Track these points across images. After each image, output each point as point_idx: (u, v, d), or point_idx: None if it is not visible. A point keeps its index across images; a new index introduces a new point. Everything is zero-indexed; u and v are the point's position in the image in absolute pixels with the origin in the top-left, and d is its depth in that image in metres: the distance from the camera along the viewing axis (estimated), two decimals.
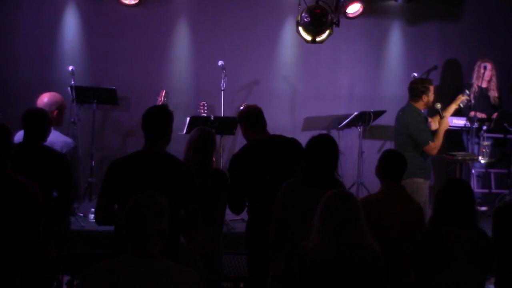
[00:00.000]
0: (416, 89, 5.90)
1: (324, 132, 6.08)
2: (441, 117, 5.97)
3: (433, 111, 6.23)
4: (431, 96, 5.90)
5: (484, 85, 7.35)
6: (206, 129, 4.39)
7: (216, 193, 4.15)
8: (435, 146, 5.77)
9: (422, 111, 5.93)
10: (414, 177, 5.53)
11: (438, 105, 6.03)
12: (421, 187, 5.66)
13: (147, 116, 3.65)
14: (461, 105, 6.37)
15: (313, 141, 3.87)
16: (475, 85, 7.29)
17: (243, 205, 4.37)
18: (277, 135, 4.47)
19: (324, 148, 3.81)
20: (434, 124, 6.18)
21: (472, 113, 7.06)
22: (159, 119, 3.65)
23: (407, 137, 5.79)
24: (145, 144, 3.65)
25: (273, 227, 3.81)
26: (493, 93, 7.43)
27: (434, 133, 5.91)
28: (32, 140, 4.12)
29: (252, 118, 4.45)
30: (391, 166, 3.97)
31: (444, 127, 5.92)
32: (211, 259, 4.15)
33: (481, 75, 7.20)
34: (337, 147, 3.90)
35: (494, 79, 7.41)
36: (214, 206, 4.13)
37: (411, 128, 5.80)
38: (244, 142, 4.55)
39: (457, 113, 7.38)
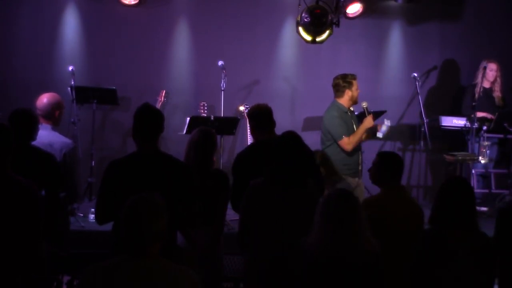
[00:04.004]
0: (338, 84, 5.90)
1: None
2: (366, 116, 5.92)
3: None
4: (355, 91, 5.88)
5: (487, 85, 7.35)
6: (207, 129, 4.39)
7: (216, 194, 4.16)
8: (349, 141, 5.76)
9: (348, 107, 5.89)
10: None
11: (364, 104, 5.99)
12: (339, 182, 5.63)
13: (140, 117, 3.62)
14: (381, 135, 6.07)
15: (278, 138, 3.89)
16: (479, 86, 7.28)
17: None
18: None
19: (286, 145, 3.80)
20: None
21: (477, 113, 7.03)
22: (152, 119, 3.63)
23: (327, 133, 5.83)
24: (139, 145, 3.63)
25: (239, 227, 3.86)
26: (497, 94, 7.43)
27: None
28: (18, 140, 4.06)
29: (259, 117, 4.46)
30: (390, 170, 3.96)
31: (366, 125, 5.87)
32: (211, 259, 4.15)
33: (482, 75, 7.20)
34: (301, 144, 3.86)
35: (499, 80, 7.41)
36: (214, 207, 4.13)
37: (327, 123, 5.84)
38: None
39: (458, 113, 7.39)
